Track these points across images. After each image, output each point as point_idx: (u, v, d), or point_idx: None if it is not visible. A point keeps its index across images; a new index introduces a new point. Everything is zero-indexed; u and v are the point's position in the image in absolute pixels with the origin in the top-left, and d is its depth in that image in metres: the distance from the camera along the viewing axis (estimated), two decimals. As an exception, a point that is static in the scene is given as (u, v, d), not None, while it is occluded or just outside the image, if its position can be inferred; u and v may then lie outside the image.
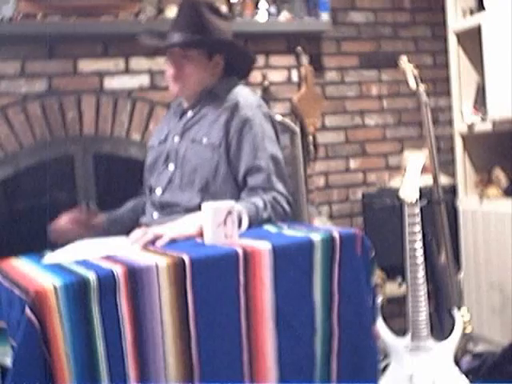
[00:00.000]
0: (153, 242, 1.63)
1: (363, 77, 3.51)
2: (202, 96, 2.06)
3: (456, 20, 3.17)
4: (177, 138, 2.07)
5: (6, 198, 3.08)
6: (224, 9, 2.98)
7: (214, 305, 1.45)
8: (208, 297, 1.44)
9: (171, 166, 2.05)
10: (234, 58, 2.10)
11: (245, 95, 2.04)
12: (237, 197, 1.92)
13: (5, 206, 3.08)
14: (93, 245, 1.74)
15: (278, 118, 2.10)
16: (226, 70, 2.10)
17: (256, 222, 1.78)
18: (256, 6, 3.14)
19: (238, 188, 1.96)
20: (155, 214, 2.04)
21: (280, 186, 1.92)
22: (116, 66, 2.99)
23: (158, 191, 2.05)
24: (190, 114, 2.09)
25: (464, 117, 3.17)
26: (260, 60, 3.14)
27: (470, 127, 3.12)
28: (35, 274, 1.41)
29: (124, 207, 2.25)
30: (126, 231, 1.92)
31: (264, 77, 3.19)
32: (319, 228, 1.91)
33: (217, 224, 1.58)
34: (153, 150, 2.17)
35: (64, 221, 2.13)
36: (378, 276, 1.78)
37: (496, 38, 2.84)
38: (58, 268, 1.43)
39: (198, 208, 1.70)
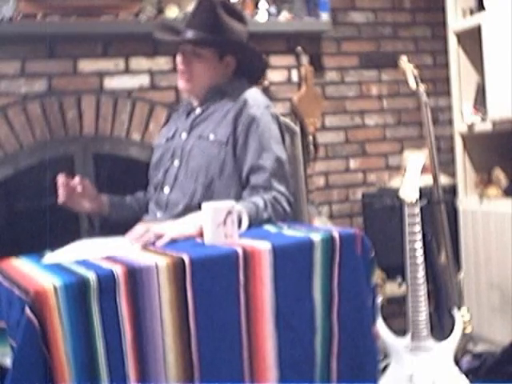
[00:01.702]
0: (153, 241, 1.63)
1: (363, 77, 3.51)
2: (210, 94, 2.07)
3: (456, 20, 3.17)
4: (184, 135, 2.08)
5: (6, 198, 3.08)
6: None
7: (214, 305, 1.45)
8: (208, 297, 1.44)
9: (176, 163, 2.05)
10: (247, 60, 2.11)
11: (254, 95, 2.05)
12: (241, 195, 1.93)
13: (5, 206, 3.08)
14: (93, 245, 1.74)
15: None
16: (238, 72, 2.11)
17: (256, 222, 1.78)
18: (256, 6, 3.14)
19: (241, 186, 1.96)
20: (159, 214, 2.04)
21: (281, 187, 1.92)
22: (116, 66, 2.99)
23: (166, 190, 2.05)
24: (198, 111, 2.09)
25: (464, 117, 3.17)
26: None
27: (470, 127, 3.12)
28: (35, 273, 1.41)
29: (129, 196, 2.25)
30: (127, 221, 1.96)
31: (264, 77, 3.19)
32: (319, 228, 1.92)
33: (217, 224, 1.58)
34: (159, 147, 2.18)
35: (68, 182, 2.06)
36: (377, 276, 1.78)
37: (496, 38, 2.84)
38: (57, 268, 1.43)
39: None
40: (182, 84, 2.07)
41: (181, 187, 2.01)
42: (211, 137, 1.99)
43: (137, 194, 2.27)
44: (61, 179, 2.04)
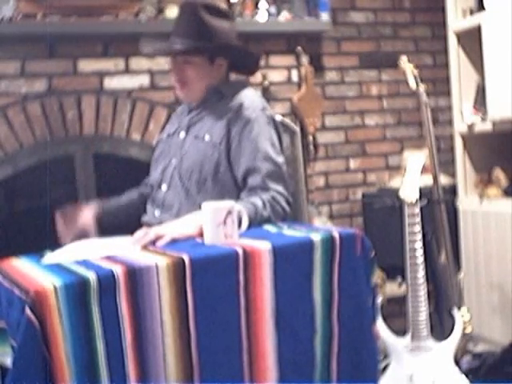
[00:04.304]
0: (153, 241, 1.63)
1: (363, 77, 3.51)
2: (208, 94, 2.08)
3: (456, 20, 3.17)
4: (182, 134, 2.09)
5: (5, 198, 3.08)
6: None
7: (214, 305, 1.45)
8: (208, 297, 1.44)
9: (174, 161, 2.06)
10: (238, 58, 2.12)
11: (250, 97, 2.05)
12: (235, 196, 1.93)
13: (5, 206, 3.08)
14: (93, 245, 1.74)
15: (278, 117, 2.11)
16: (232, 68, 2.12)
17: (256, 222, 1.78)
18: (256, 6, 3.14)
19: (237, 187, 1.96)
20: (157, 213, 2.05)
21: (278, 187, 1.92)
22: (116, 66, 2.99)
23: (164, 188, 2.06)
24: (196, 110, 2.11)
25: (464, 117, 3.17)
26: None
27: (470, 127, 3.12)
28: (35, 273, 1.41)
29: (122, 199, 2.26)
30: (123, 225, 1.96)
31: (264, 77, 3.19)
32: (319, 228, 1.92)
33: (217, 224, 1.58)
34: (161, 143, 2.20)
35: (61, 222, 2.15)
36: (377, 276, 1.78)
37: (496, 38, 2.84)
38: (57, 268, 1.43)
39: (196, 205, 1.71)
40: (178, 91, 2.10)
41: (176, 186, 2.02)
42: (206, 137, 2.00)
43: (131, 194, 2.27)
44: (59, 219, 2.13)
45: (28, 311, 1.25)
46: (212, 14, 2.03)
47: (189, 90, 2.07)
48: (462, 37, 3.16)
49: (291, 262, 1.54)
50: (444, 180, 3.14)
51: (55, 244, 1.81)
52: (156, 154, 2.19)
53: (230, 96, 2.04)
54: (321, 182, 3.41)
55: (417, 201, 2.30)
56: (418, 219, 2.31)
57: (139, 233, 1.68)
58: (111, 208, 2.23)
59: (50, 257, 1.58)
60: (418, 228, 2.30)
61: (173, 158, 2.07)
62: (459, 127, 3.18)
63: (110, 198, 2.29)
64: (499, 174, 3.08)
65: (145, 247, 1.60)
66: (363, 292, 1.64)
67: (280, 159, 1.98)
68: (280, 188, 1.92)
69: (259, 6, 3.14)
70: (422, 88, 2.71)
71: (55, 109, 2.89)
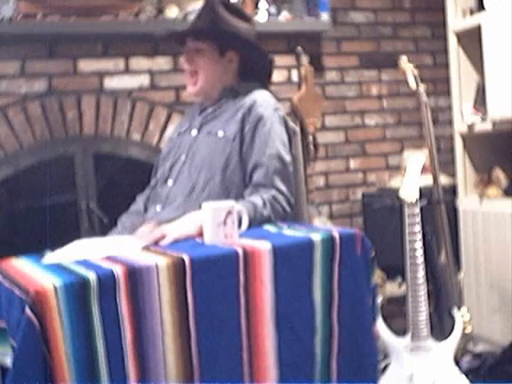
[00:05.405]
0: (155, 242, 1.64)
1: (363, 77, 3.51)
2: (223, 93, 2.09)
3: (456, 20, 3.17)
4: (194, 132, 2.10)
5: (5, 197, 3.08)
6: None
7: (214, 305, 1.45)
8: (208, 297, 1.44)
9: (183, 157, 2.07)
10: (250, 57, 2.11)
11: (264, 96, 2.07)
12: (241, 194, 1.94)
13: (5, 205, 3.08)
14: (93, 245, 1.74)
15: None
16: (245, 73, 2.12)
17: (256, 221, 1.79)
18: (256, 6, 3.14)
19: (243, 185, 1.97)
20: (158, 208, 2.05)
21: (282, 186, 1.92)
22: (116, 66, 2.99)
23: (170, 183, 2.07)
24: (210, 109, 2.12)
25: (464, 117, 3.17)
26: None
27: (470, 127, 3.12)
28: (35, 273, 1.41)
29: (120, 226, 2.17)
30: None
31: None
32: (319, 228, 1.92)
33: (217, 224, 1.58)
34: (171, 141, 2.21)
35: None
36: (378, 276, 1.78)
37: (496, 38, 2.84)
38: (57, 268, 1.43)
39: (199, 201, 1.70)
40: (190, 87, 2.10)
41: (182, 181, 2.02)
42: (220, 133, 2.01)
43: (139, 206, 2.20)
44: None
45: (28, 311, 1.25)
46: (231, 11, 2.05)
47: (200, 82, 2.06)
48: (462, 37, 3.16)
49: (291, 261, 1.54)
50: (444, 180, 3.14)
51: (55, 244, 1.80)
52: (164, 152, 2.20)
53: (244, 95, 2.06)
54: (321, 182, 3.41)
55: (417, 201, 2.30)
56: (418, 219, 2.30)
57: (144, 228, 1.68)
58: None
59: (50, 257, 1.58)
60: (417, 228, 2.30)
61: (182, 154, 2.08)
62: (459, 127, 3.18)
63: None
64: (499, 174, 3.08)
65: (149, 247, 1.60)
66: (363, 292, 1.64)
67: (288, 159, 1.99)
68: (283, 187, 1.92)
69: (259, 5, 3.14)
70: (422, 88, 2.71)
71: (55, 109, 2.89)
